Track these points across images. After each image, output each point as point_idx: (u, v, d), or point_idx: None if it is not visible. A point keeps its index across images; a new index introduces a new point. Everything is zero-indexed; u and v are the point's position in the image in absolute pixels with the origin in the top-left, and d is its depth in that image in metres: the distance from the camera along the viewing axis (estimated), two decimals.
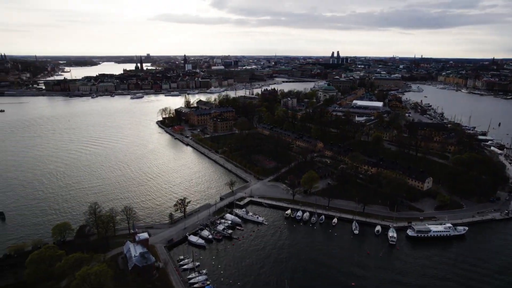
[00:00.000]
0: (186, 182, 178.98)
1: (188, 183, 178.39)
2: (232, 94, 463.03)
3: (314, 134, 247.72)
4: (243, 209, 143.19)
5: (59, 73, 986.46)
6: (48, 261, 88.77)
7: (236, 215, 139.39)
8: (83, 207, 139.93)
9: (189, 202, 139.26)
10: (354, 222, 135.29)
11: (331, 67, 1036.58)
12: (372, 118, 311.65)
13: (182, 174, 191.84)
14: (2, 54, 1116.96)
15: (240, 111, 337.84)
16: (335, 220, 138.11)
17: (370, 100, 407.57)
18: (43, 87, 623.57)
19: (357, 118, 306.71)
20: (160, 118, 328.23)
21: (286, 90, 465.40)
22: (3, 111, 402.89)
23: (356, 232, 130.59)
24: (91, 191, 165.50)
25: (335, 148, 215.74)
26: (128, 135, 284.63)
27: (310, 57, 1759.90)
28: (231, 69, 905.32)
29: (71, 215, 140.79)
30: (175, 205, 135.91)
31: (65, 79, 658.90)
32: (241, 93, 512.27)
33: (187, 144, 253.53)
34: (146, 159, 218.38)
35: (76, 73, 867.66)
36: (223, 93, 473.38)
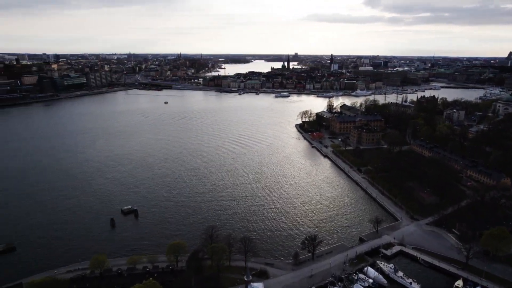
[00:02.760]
0: (317, 208, 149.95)
1: (320, 209, 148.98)
2: (380, 99, 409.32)
3: (494, 162, 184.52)
4: (391, 264, 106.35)
5: (217, 69, 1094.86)
6: None
7: (381, 271, 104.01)
8: (203, 224, 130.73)
9: (320, 242, 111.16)
10: None
11: (509, 70, 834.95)
12: None
13: (314, 195, 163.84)
14: (178, 53, 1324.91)
15: (390, 120, 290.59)
16: None
17: None
18: (201, 82, 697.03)
19: None
20: (300, 121, 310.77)
21: (447, 97, 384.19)
22: (167, 102, 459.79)
23: None
24: (216, 203, 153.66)
25: None
26: (266, 136, 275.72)
27: (476, 58, 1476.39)
28: (380, 71, 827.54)
29: (189, 229, 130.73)
30: (302, 243, 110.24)
31: (218, 76, 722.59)
32: (390, 98, 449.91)
33: (325, 156, 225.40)
34: (278, 169, 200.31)
35: (230, 69, 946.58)
36: (370, 97, 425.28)
